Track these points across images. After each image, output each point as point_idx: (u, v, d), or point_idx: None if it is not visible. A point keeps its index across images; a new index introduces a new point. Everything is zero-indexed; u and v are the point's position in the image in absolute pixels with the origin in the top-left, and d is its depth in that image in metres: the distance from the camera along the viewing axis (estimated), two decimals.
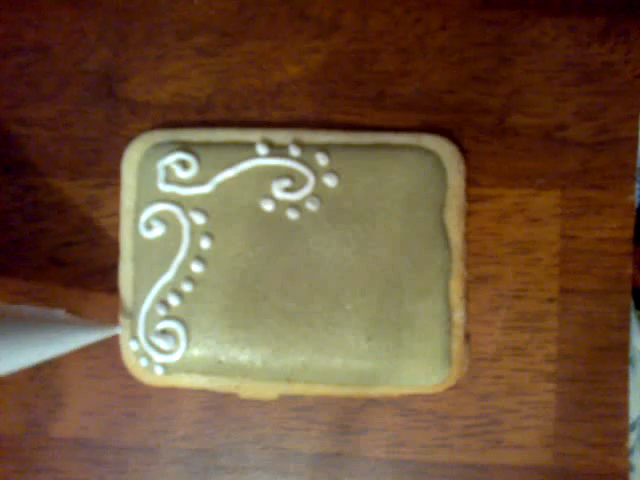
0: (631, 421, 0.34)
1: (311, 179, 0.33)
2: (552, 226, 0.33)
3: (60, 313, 0.31)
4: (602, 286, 0.33)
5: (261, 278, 0.32)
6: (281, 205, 0.33)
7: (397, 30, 0.34)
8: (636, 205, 0.33)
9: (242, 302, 0.32)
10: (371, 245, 0.32)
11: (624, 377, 0.33)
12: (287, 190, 0.33)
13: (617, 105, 0.33)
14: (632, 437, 0.34)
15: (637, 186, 0.33)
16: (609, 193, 0.33)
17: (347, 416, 0.34)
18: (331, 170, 0.33)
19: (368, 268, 0.32)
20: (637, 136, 0.33)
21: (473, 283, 0.33)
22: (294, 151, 0.33)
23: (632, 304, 0.33)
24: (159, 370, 0.33)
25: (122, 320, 0.33)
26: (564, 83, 0.33)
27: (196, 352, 0.32)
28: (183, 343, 0.32)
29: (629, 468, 0.33)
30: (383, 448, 0.34)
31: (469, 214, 0.33)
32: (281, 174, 0.33)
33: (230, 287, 0.32)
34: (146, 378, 0.33)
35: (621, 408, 0.33)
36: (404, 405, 0.34)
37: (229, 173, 0.33)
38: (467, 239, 0.33)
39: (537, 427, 0.33)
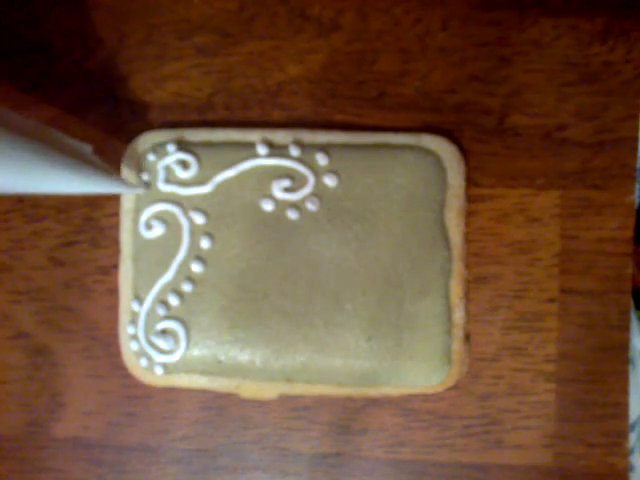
0: (631, 421, 0.34)
1: (311, 179, 0.32)
2: (552, 226, 0.33)
3: (87, 148, 0.30)
4: (602, 286, 0.33)
5: (261, 278, 0.32)
6: (281, 205, 0.33)
7: (397, 30, 0.34)
8: (636, 205, 0.33)
9: (242, 302, 0.32)
10: (371, 245, 0.32)
11: (624, 377, 0.33)
12: (287, 190, 0.33)
13: (617, 105, 0.33)
14: (632, 437, 0.34)
15: (637, 186, 0.33)
16: (609, 193, 0.33)
17: (347, 416, 0.34)
18: (331, 170, 0.33)
19: (368, 268, 0.32)
20: (637, 136, 0.33)
21: (473, 283, 0.33)
22: (294, 151, 0.33)
23: (632, 304, 0.33)
24: (159, 370, 0.33)
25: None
26: (564, 83, 0.33)
27: (196, 352, 0.32)
28: (183, 343, 0.32)
29: (629, 468, 0.33)
30: (383, 448, 0.34)
31: (469, 214, 0.33)
32: (281, 174, 0.33)
33: (230, 287, 0.32)
34: (146, 378, 0.33)
35: (621, 408, 0.33)
36: (404, 405, 0.34)
37: (229, 173, 0.33)
38: (467, 239, 0.33)
39: (537, 427, 0.33)
